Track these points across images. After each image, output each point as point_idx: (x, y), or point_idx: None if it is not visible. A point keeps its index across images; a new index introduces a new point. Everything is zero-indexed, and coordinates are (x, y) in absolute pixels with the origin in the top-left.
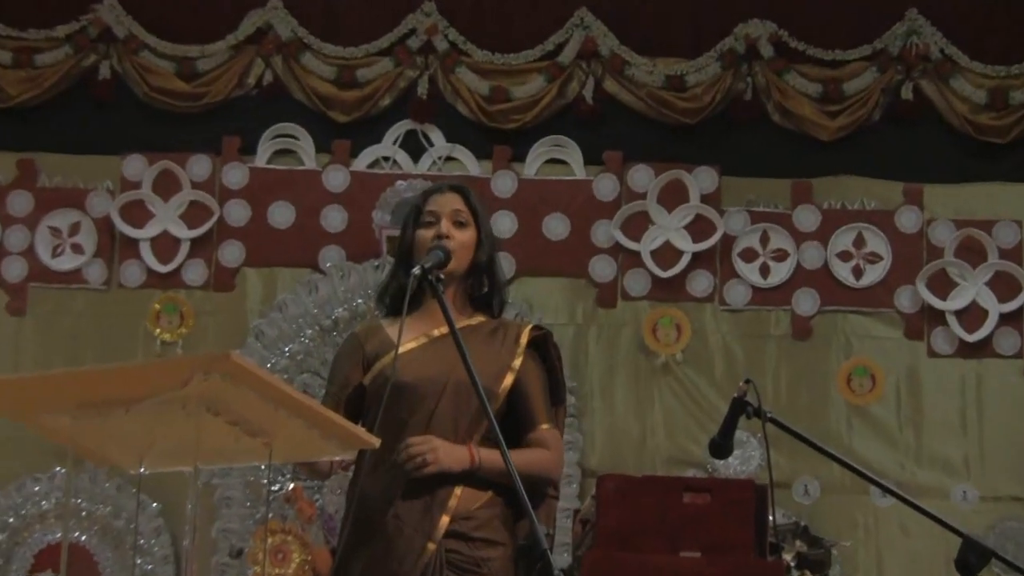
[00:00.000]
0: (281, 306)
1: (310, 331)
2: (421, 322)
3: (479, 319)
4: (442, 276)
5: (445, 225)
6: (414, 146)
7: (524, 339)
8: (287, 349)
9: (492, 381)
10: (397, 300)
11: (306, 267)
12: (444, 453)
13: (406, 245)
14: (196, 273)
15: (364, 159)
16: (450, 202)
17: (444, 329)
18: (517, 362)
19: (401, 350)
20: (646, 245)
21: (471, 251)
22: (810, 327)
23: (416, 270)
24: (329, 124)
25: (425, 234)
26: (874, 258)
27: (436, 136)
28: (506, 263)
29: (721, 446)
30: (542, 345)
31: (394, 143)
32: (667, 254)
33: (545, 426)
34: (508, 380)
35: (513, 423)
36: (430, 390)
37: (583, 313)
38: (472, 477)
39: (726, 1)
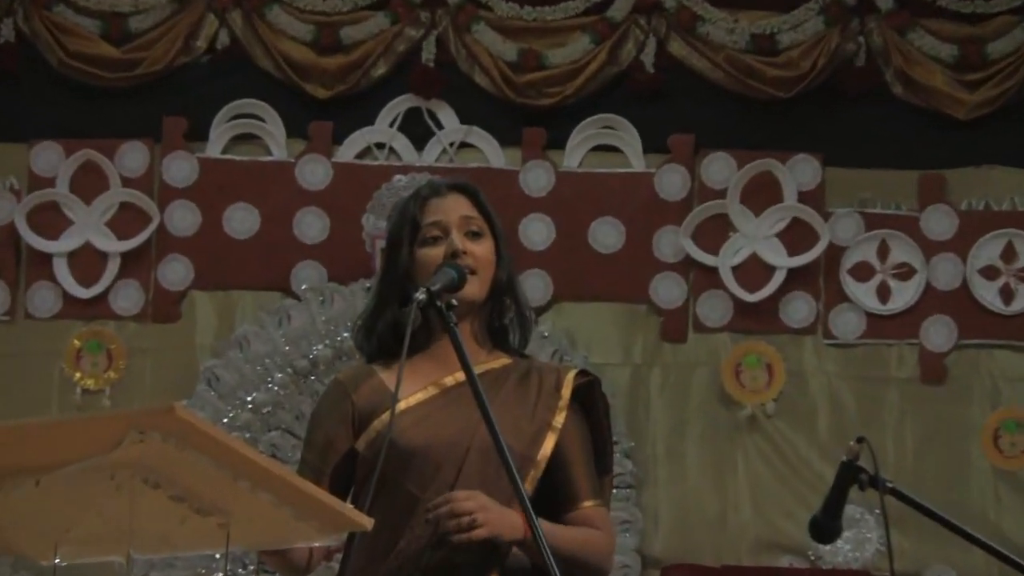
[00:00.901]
0: (241, 342)
1: (280, 375)
2: (427, 367)
3: (504, 360)
4: (455, 303)
5: (458, 238)
6: (417, 129)
7: (567, 389)
8: (250, 399)
9: (528, 445)
10: (391, 337)
11: (275, 290)
12: (496, 515)
13: (399, 270)
14: (128, 299)
15: (351, 147)
16: (456, 206)
17: (460, 375)
18: (559, 419)
19: (406, 404)
20: (726, 259)
21: (492, 268)
22: (944, 367)
23: (420, 295)
24: (305, 101)
25: (431, 253)
26: None
27: (447, 116)
28: (539, 283)
29: (826, 526)
30: (587, 396)
31: (391, 125)
32: (754, 271)
33: (590, 503)
34: (549, 443)
35: (546, 498)
36: (448, 456)
37: (643, 350)
38: (507, 564)
39: None
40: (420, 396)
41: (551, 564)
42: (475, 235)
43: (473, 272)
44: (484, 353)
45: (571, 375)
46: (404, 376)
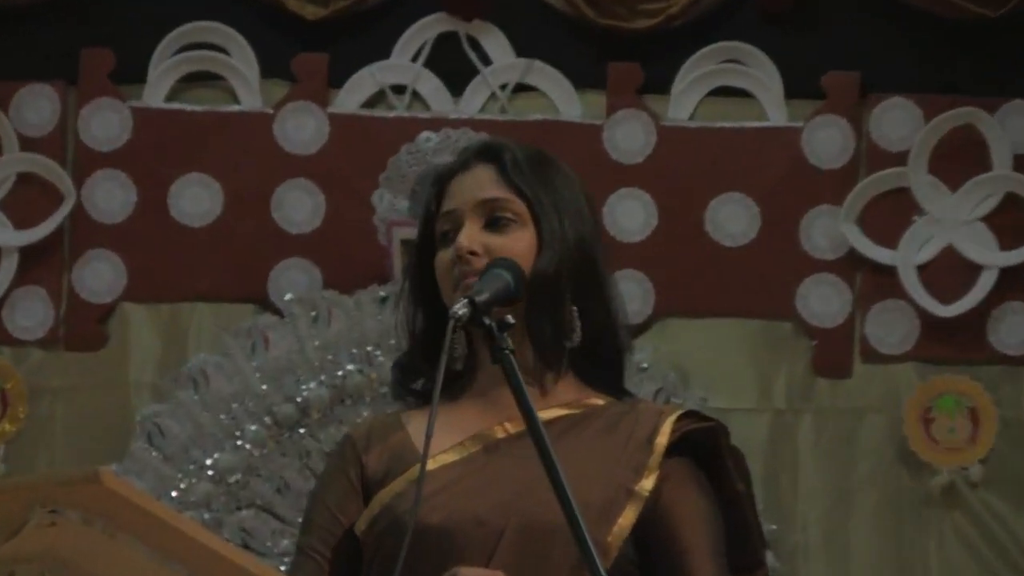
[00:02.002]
0: (197, 379)
1: (254, 427)
2: (470, 414)
3: (592, 401)
4: (511, 320)
5: (467, 232)
6: (454, 66)
7: (664, 437)
8: (210, 463)
9: (593, 520)
10: (423, 371)
11: (245, 301)
12: None
13: (418, 272)
14: (30, 316)
15: (356, 92)
16: (475, 185)
17: (513, 425)
18: (647, 483)
19: (433, 465)
20: (908, 254)
21: (527, 269)
22: None
23: (460, 308)
24: (288, 24)
25: (443, 259)
26: None
27: (496, 45)
28: (634, 291)
29: None
30: (706, 450)
31: (414, 60)
32: (950, 272)
33: None
34: (627, 518)
35: None
36: (474, 539)
37: (787, 389)
38: None
39: None
40: (451, 456)
41: None
42: (500, 223)
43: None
44: (553, 389)
45: (671, 419)
46: (441, 424)
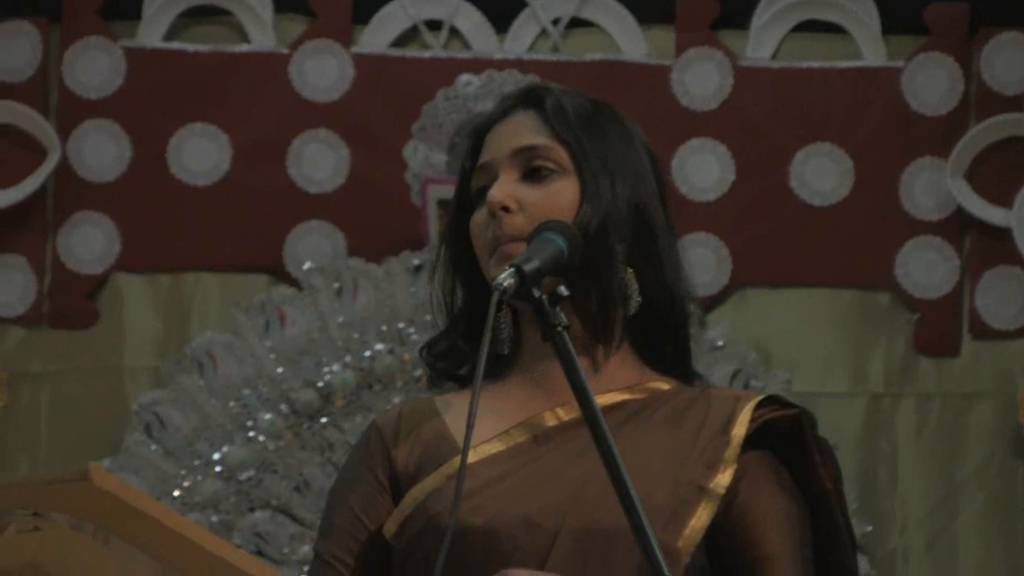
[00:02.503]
0: (203, 362)
1: (269, 416)
2: (518, 396)
3: (658, 385)
4: (565, 291)
5: (501, 184)
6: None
7: (741, 427)
8: (218, 457)
9: (661, 524)
10: (462, 350)
11: (258, 271)
12: None
13: (455, 239)
14: (10, 288)
15: (385, 29)
16: (513, 133)
17: (566, 411)
18: (723, 479)
19: (475, 458)
20: None
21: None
22: None
23: (506, 277)
24: None
25: (476, 220)
26: None
27: None
28: (709, 258)
29: None
30: (790, 441)
31: None
32: None
33: None
34: (700, 520)
35: None
36: (524, 543)
37: (885, 370)
38: None
39: None
40: (495, 446)
41: None
42: (538, 175)
43: (524, 239)
44: (614, 371)
45: (750, 405)
46: (484, 410)
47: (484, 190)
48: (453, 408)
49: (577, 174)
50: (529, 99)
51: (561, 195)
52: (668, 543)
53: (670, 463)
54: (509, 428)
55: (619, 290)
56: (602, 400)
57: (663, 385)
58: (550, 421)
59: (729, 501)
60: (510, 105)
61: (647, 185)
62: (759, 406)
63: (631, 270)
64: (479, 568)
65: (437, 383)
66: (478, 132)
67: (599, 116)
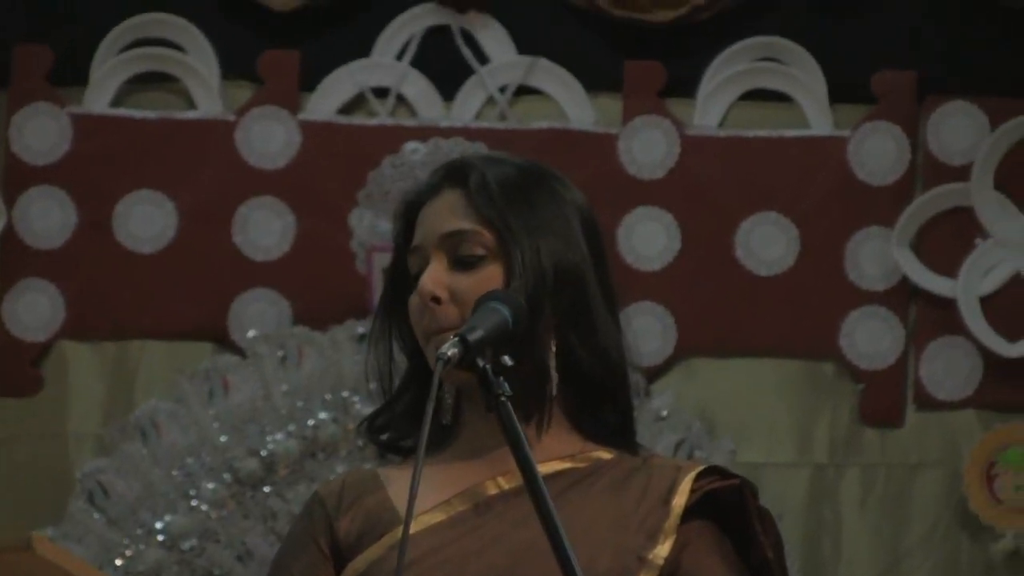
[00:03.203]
0: (147, 429)
1: (212, 485)
2: (456, 469)
3: (598, 454)
4: (509, 361)
5: (431, 273)
6: (446, 64)
7: (681, 497)
8: (160, 526)
9: None
10: (400, 424)
11: (202, 339)
12: None
13: (393, 313)
14: None
15: (332, 94)
16: (440, 216)
17: (507, 480)
18: (661, 550)
19: (417, 527)
20: (972, 284)
21: None
22: None
23: (449, 348)
24: (254, 16)
25: (412, 301)
26: None
27: (495, 41)
28: (654, 326)
29: None
30: (732, 511)
31: (399, 57)
32: (1019, 304)
33: None
34: None
35: None
36: None
37: (830, 440)
38: None
39: None
40: (438, 516)
41: None
42: (466, 263)
43: (457, 328)
44: (553, 441)
45: (691, 476)
46: (425, 480)
47: (418, 274)
48: (396, 480)
49: (504, 255)
50: (455, 176)
51: (491, 281)
52: None
53: (612, 531)
54: (450, 498)
55: (548, 364)
56: (544, 469)
57: (604, 454)
58: (491, 490)
59: (671, 571)
60: (437, 181)
61: (575, 249)
62: (700, 476)
63: (554, 346)
64: None
65: (383, 455)
66: (408, 208)
67: (525, 185)
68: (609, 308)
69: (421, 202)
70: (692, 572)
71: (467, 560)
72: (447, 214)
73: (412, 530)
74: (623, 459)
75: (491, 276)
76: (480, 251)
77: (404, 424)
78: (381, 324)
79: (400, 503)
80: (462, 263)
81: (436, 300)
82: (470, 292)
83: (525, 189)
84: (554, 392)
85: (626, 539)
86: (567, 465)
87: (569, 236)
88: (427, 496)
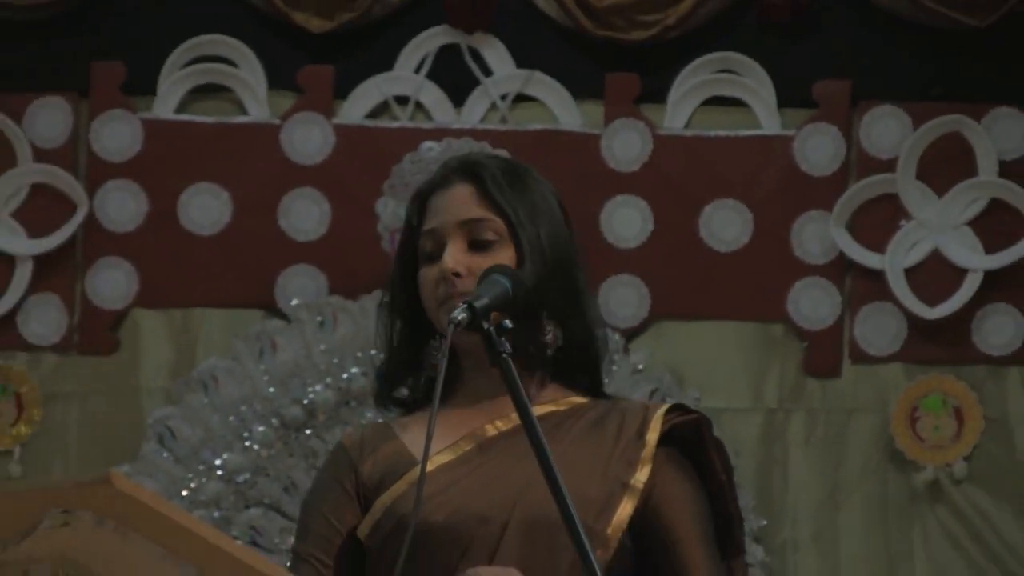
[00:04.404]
0: (207, 382)
1: (262, 429)
2: (460, 415)
3: (575, 400)
4: (508, 324)
5: (452, 254)
6: (456, 76)
7: (654, 432)
8: (219, 463)
9: (593, 514)
10: (409, 382)
11: (254, 307)
12: None
13: (400, 293)
14: (45, 322)
15: (361, 103)
16: (456, 205)
17: (503, 423)
18: (640, 476)
19: (431, 466)
20: (897, 258)
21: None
22: None
23: (459, 314)
24: (294, 37)
25: (427, 276)
26: None
27: (497, 57)
28: (631, 295)
29: None
30: (694, 444)
31: (417, 71)
32: (937, 275)
33: None
34: (624, 511)
35: None
36: (478, 536)
37: (779, 389)
38: None
39: None
40: (447, 456)
41: None
42: (482, 245)
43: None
44: (542, 394)
45: (660, 412)
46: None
47: (431, 251)
48: (407, 429)
49: (512, 240)
50: (466, 171)
51: (504, 261)
52: (600, 530)
53: (596, 462)
54: (456, 440)
55: (544, 336)
56: (536, 411)
57: (579, 399)
58: (491, 432)
59: (647, 493)
60: (449, 174)
61: (563, 231)
62: (667, 412)
63: (554, 322)
64: (442, 556)
65: (384, 405)
66: (420, 196)
67: (523, 179)
68: (585, 282)
69: (432, 192)
70: (665, 494)
71: (477, 492)
72: (463, 204)
73: (427, 469)
74: (596, 403)
75: (504, 256)
76: (492, 236)
77: (400, 378)
78: (391, 296)
79: (414, 448)
80: (478, 245)
81: (457, 275)
82: (486, 264)
83: (524, 182)
84: (551, 353)
85: (609, 468)
86: (551, 408)
87: (556, 220)
88: (436, 441)
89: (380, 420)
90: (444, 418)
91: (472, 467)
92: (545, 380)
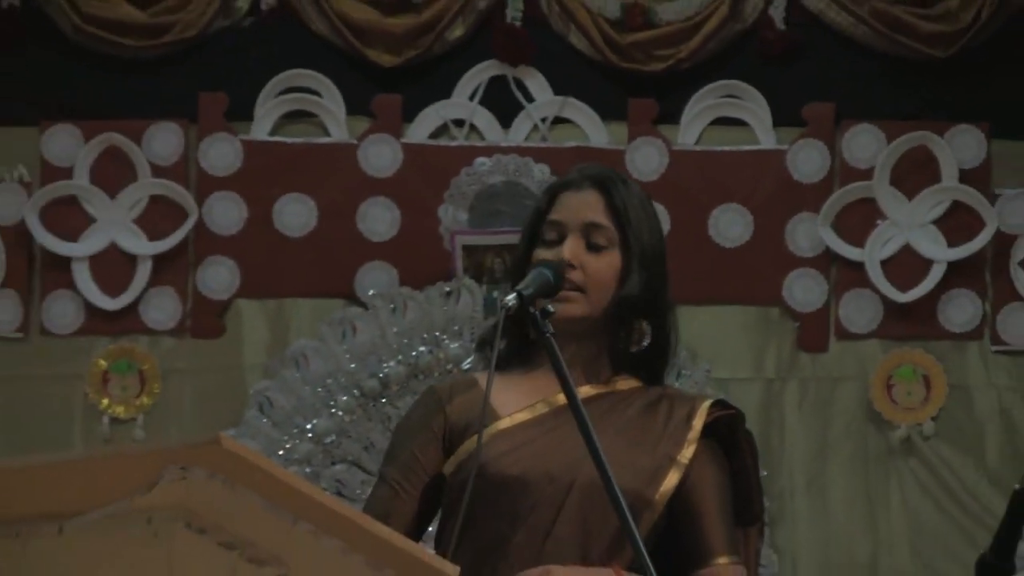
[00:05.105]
0: (298, 360)
1: (345, 398)
2: (542, 381)
3: (630, 384)
4: (551, 309)
5: (571, 247)
6: (503, 103)
7: (699, 420)
8: (309, 427)
9: (644, 481)
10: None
11: (336, 297)
12: None
13: (516, 269)
14: (163, 310)
15: (424, 125)
16: (584, 207)
17: (582, 392)
18: (686, 454)
19: (510, 423)
20: (874, 252)
21: (610, 288)
22: None
23: (511, 299)
24: (368, 70)
25: (542, 256)
26: None
27: (537, 86)
28: None
29: (997, 568)
30: (727, 433)
31: (471, 98)
32: (907, 266)
33: (724, 559)
34: (671, 481)
35: (670, 552)
36: (547, 493)
37: (776, 362)
38: None
39: None
40: (525, 415)
41: None
42: (596, 248)
43: (580, 289)
44: (601, 377)
45: (706, 405)
46: (511, 390)
47: (551, 239)
48: (494, 385)
49: (623, 248)
50: (598, 181)
51: (611, 266)
52: (650, 496)
53: (648, 439)
54: (534, 403)
55: (640, 337)
56: (595, 391)
57: (635, 383)
58: (562, 400)
59: (689, 469)
60: (583, 180)
61: (661, 240)
62: (712, 405)
63: (648, 324)
64: (514, 506)
65: (481, 349)
66: (552, 190)
67: (638, 197)
68: (670, 291)
69: (563, 189)
70: (699, 475)
71: (548, 453)
72: (590, 207)
73: (507, 424)
74: (650, 389)
75: (612, 263)
76: (606, 243)
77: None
78: (520, 258)
79: (495, 402)
80: (593, 247)
81: (571, 266)
82: (597, 268)
83: (638, 200)
84: (643, 345)
85: (659, 445)
86: (610, 388)
87: (657, 231)
88: (518, 400)
89: (469, 373)
90: (525, 381)
91: (545, 429)
92: (616, 370)
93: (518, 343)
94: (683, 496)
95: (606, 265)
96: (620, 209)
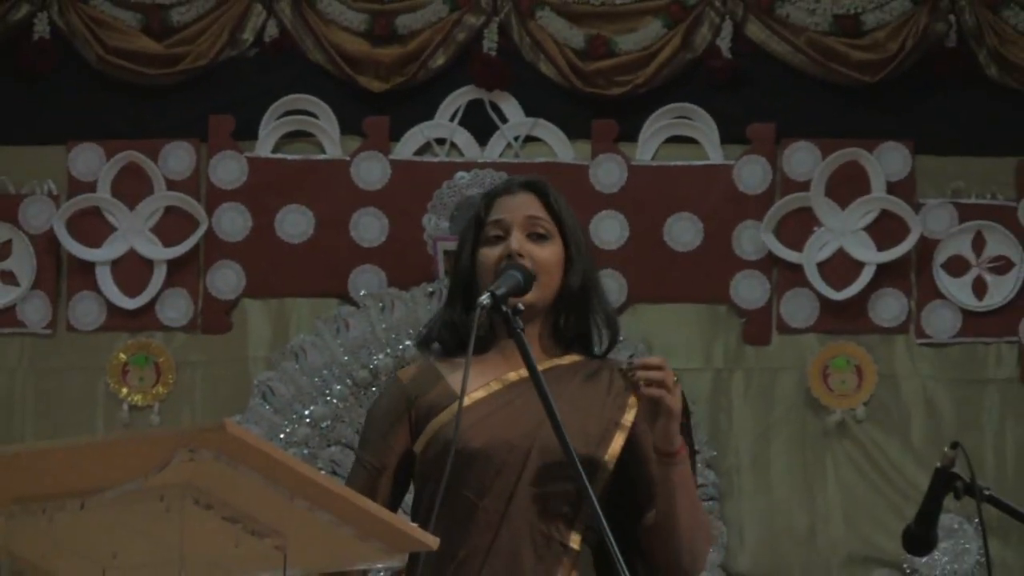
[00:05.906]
0: (297, 353)
1: (339, 387)
2: (491, 363)
3: (573, 358)
4: (521, 307)
5: (517, 239)
6: (480, 123)
7: None
8: (307, 413)
9: (594, 445)
10: (452, 340)
11: (331, 297)
12: (678, 397)
13: (463, 271)
14: (176, 309)
15: (410, 143)
16: (523, 206)
17: (525, 371)
18: (629, 417)
19: (469, 401)
20: (811, 255)
21: (556, 274)
22: None
23: (485, 299)
24: (360, 95)
25: (490, 253)
26: None
27: (511, 108)
28: (613, 284)
29: (922, 537)
30: None
31: (452, 119)
32: (841, 267)
33: None
34: (618, 443)
35: (623, 502)
36: (508, 460)
37: (724, 353)
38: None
39: None
40: (481, 393)
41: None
42: (539, 237)
43: (533, 273)
44: (550, 353)
45: None
46: (472, 372)
47: (495, 237)
48: (449, 372)
49: (562, 239)
50: (531, 185)
51: (554, 254)
52: (599, 457)
53: (594, 405)
54: (488, 382)
55: (579, 317)
56: (544, 365)
57: (578, 357)
58: (514, 378)
59: (632, 430)
60: (517, 185)
61: (587, 236)
62: None
63: (580, 305)
64: (480, 474)
65: (423, 349)
66: (489, 196)
67: (564, 200)
68: (600, 280)
69: (499, 195)
70: (641, 428)
71: (506, 424)
72: (528, 205)
73: (466, 403)
74: (590, 360)
75: (554, 250)
76: (547, 233)
77: (449, 341)
78: (460, 267)
79: (455, 386)
80: (536, 237)
81: (519, 255)
82: (540, 256)
83: (565, 201)
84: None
85: (604, 411)
86: (558, 362)
87: (583, 228)
88: (474, 382)
89: (427, 362)
90: (479, 365)
91: (500, 403)
92: (560, 350)
93: (465, 334)
94: (630, 453)
95: (551, 253)
96: (555, 207)
